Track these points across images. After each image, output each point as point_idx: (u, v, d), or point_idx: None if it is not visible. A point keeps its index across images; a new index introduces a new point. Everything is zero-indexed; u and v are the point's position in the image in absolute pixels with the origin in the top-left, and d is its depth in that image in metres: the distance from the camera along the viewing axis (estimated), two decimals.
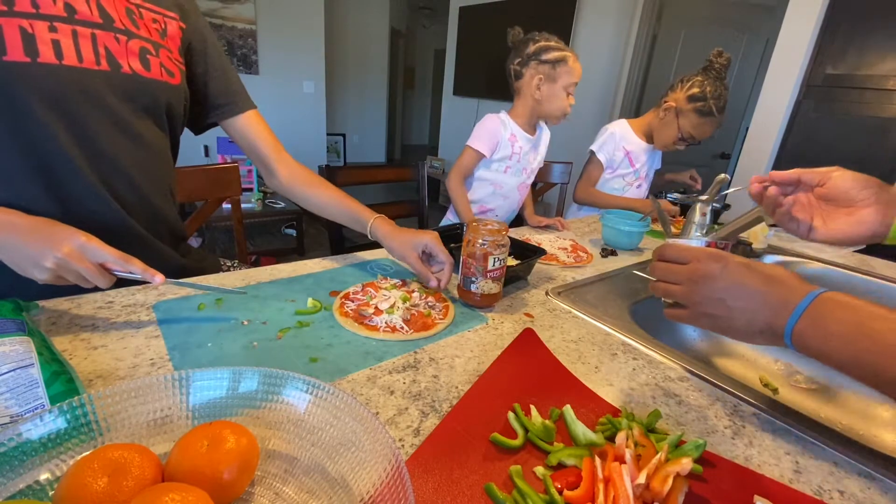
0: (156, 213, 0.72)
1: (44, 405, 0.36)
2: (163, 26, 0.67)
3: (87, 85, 0.59)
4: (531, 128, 1.33)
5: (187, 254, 0.83)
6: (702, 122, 1.38)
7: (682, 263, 0.49)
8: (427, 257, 0.74)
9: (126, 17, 0.62)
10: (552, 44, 1.23)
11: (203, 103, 0.78)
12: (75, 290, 0.60)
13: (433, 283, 0.71)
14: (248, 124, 0.81)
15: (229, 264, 0.93)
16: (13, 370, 0.37)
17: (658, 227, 1.34)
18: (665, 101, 1.44)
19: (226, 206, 1.23)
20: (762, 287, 0.44)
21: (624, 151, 1.52)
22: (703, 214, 0.97)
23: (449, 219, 1.43)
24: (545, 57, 1.21)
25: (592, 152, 1.53)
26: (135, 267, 0.53)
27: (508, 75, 1.30)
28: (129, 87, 0.63)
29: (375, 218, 0.78)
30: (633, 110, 3.03)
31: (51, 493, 0.30)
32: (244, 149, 0.84)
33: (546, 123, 1.38)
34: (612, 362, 0.59)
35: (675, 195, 1.31)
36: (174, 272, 0.72)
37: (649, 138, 1.54)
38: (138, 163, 0.67)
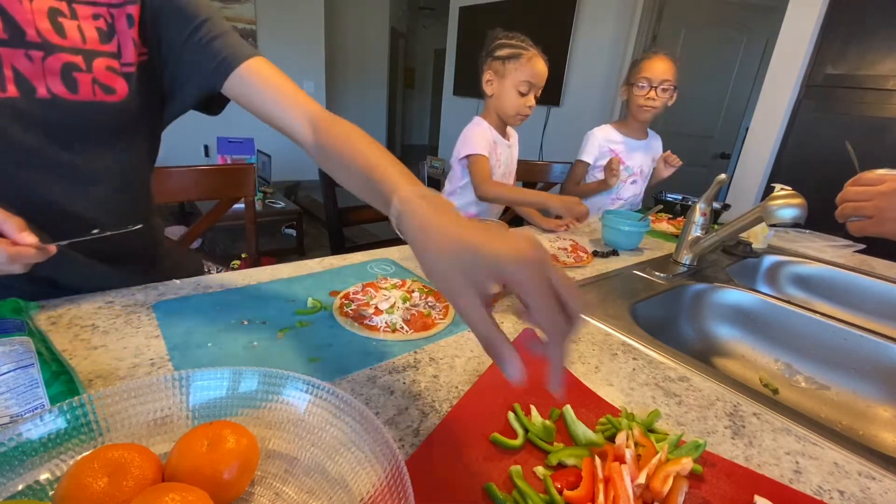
0: (116, 242, 0.63)
1: (44, 405, 0.36)
2: (109, 20, 0.52)
3: None
4: (503, 131, 1.31)
5: (161, 261, 0.73)
6: (641, 67, 1.48)
7: (875, 186, 0.63)
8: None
9: (47, 20, 0.48)
10: (510, 41, 1.19)
11: (192, 76, 0.61)
12: (74, 290, 0.60)
13: (515, 374, 0.31)
14: (246, 78, 0.60)
15: (215, 270, 0.90)
16: (13, 370, 0.37)
17: (658, 227, 1.34)
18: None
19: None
20: None
21: (610, 151, 1.56)
22: (704, 214, 0.97)
23: None
24: (497, 53, 1.19)
25: (578, 159, 1.60)
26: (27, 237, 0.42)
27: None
28: (47, 115, 0.50)
29: (404, 193, 0.40)
30: None
31: (51, 493, 0.30)
32: (256, 114, 0.61)
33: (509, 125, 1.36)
34: (612, 362, 0.59)
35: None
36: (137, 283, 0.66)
37: (639, 132, 1.59)
38: (75, 198, 0.56)
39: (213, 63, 0.59)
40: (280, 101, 0.60)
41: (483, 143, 1.23)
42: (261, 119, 0.62)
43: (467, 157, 1.24)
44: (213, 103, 0.66)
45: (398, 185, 0.42)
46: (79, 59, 0.51)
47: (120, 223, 0.59)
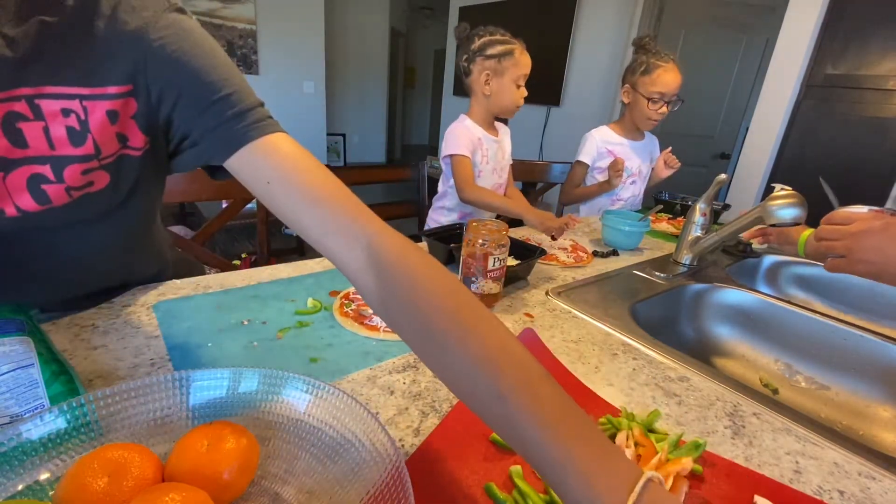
0: (127, 276, 0.65)
1: (44, 405, 0.36)
2: (82, 116, 0.43)
3: None
4: (491, 127, 1.33)
5: (165, 268, 0.72)
6: (654, 78, 1.41)
7: (846, 225, 0.63)
8: None
9: (1, 135, 0.40)
10: (497, 37, 1.22)
11: (191, 147, 0.49)
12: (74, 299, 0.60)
13: None
14: (261, 158, 0.45)
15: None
16: (13, 370, 0.37)
17: (658, 227, 1.34)
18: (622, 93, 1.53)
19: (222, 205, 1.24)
20: None
21: (608, 153, 1.55)
22: (704, 214, 0.97)
23: (438, 221, 1.41)
24: (490, 52, 1.21)
25: (577, 160, 1.59)
26: None
27: (460, 73, 1.30)
28: (22, 224, 0.44)
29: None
30: None
31: (51, 493, 0.30)
32: (276, 211, 0.45)
33: (501, 119, 1.37)
34: (612, 362, 0.59)
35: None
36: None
37: (637, 133, 1.57)
38: (71, 270, 0.54)
39: (220, 138, 0.45)
40: (310, 199, 0.42)
41: (465, 142, 1.25)
42: (287, 223, 0.43)
43: (450, 156, 1.26)
44: (218, 169, 0.50)
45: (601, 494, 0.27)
46: (46, 169, 0.43)
47: (128, 265, 0.63)
